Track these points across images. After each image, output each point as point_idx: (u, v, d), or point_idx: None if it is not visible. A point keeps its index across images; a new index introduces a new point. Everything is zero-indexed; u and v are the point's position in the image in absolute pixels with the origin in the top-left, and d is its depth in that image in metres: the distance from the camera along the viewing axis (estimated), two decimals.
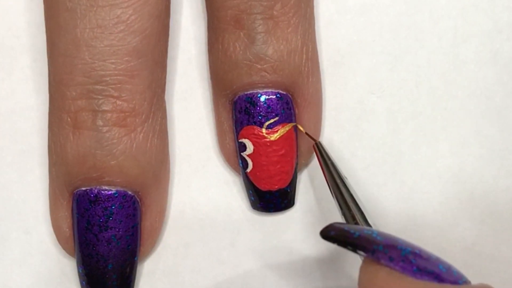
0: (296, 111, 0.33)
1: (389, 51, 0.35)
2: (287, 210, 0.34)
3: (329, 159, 0.31)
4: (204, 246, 0.34)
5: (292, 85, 0.32)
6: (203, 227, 0.34)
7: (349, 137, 0.35)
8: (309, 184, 0.35)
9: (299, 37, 0.32)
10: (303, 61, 0.32)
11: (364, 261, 0.27)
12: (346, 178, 0.31)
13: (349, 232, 0.27)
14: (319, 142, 0.32)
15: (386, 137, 0.35)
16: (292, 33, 0.32)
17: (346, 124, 0.35)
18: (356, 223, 0.30)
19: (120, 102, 0.31)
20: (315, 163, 0.34)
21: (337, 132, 0.35)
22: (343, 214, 0.31)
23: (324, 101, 0.34)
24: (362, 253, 0.27)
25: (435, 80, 0.35)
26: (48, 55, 0.32)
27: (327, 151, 0.32)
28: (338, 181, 0.31)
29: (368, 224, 0.30)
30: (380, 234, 0.27)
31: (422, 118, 0.35)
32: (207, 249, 0.34)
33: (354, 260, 0.33)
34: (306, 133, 0.32)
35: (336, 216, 0.31)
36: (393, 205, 0.34)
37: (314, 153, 0.32)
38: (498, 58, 0.35)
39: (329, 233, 0.28)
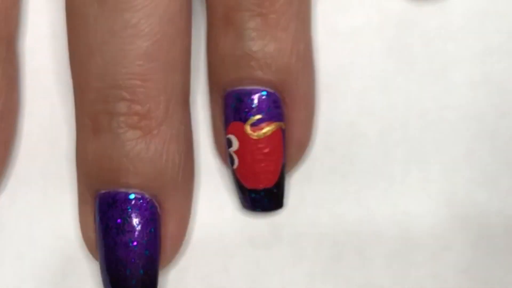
0: (285, 110, 0.33)
1: (380, 74, 0.35)
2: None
3: None
4: (196, 271, 0.34)
5: (280, 83, 0.32)
6: (195, 250, 0.34)
7: (340, 160, 0.35)
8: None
9: (289, 35, 0.32)
10: (293, 60, 0.32)
11: None
12: None
13: None
14: None
15: (377, 160, 0.34)
16: (281, 31, 0.32)
17: (337, 147, 0.35)
18: None
19: (134, 105, 0.31)
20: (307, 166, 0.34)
21: (327, 155, 0.34)
22: None
23: (314, 123, 0.34)
24: None
25: (426, 103, 0.35)
26: (69, 61, 0.32)
27: None
28: None
29: None
30: None
31: (413, 141, 0.34)
32: (199, 273, 0.34)
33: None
34: None
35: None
36: (385, 229, 0.34)
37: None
38: (489, 80, 0.35)
39: None
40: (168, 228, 0.33)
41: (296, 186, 0.34)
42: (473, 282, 0.34)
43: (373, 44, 0.35)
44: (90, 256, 0.34)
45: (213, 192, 0.35)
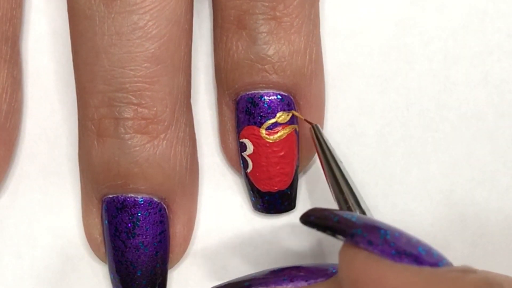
0: (299, 113, 0.33)
1: (380, 73, 0.35)
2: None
3: (325, 143, 0.31)
4: (197, 271, 0.34)
5: (294, 86, 0.32)
6: (196, 251, 0.34)
7: (340, 159, 0.35)
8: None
9: (302, 38, 0.32)
10: (306, 62, 0.32)
11: (343, 246, 0.27)
12: (341, 162, 0.31)
13: (329, 216, 0.27)
14: (316, 126, 0.32)
15: (377, 160, 0.35)
16: (295, 34, 0.32)
17: (337, 146, 0.35)
18: (349, 208, 0.30)
19: (141, 109, 0.31)
20: (317, 167, 0.34)
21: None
22: (336, 198, 0.30)
23: None
24: (341, 237, 0.27)
25: (426, 102, 0.35)
26: (73, 63, 0.32)
27: (323, 135, 0.31)
28: (333, 164, 0.31)
29: (361, 208, 0.30)
30: (359, 218, 0.27)
31: (413, 140, 0.35)
32: (199, 273, 0.34)
33: None
34: (305, 120, 0.32)
35: None
36: None
37: (312, 137, 0.32)
38: (489, 80, 0.35)
39: (309, 218, 0.28)
40: (176, 229, 0.33)
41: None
42: None
43: (373, 44, 0.35)
44: (90, 255, 0.34)
45: (213, 193, 0.35)
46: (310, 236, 0.34)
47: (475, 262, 0.34)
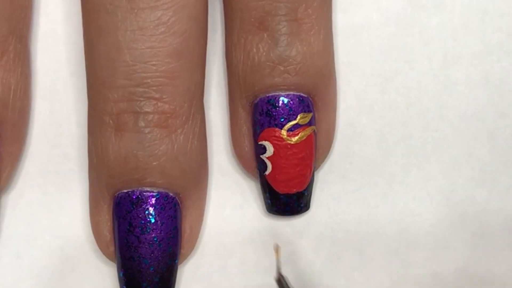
0: (316, 114, 0.33)
1: (380, 73, 0.35)
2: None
3: None
4: (196, 270, 0.34)
5: (314, 87, 0.32)
6: (195, 251, 0.34)
7: (340, 159, 0.35)
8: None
9: (321, 39, 0.32)
10: (325, 63, 0.32)
11: None
12: None
13: None
14: (283, 277, 0.31)
15: (377, 159, 0.35)
16: (315, 35, 0.32)
17: (337, 146, 0.35)
18: None
19: (161, 104, 0.31)
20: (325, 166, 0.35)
21: (328, 154, 0.34)
22: None
23: None
24: None
25: (426, 102, 0.35)
26: (87, 58, 0.32)
27: (289, 284, 0.31)
28: None
29: None
30: None
31: (413, 140, 0.35)
32: (198, 272, 0.34)
33: None
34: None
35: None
36: (385, 228, 0.34)
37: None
38: (489, 80, 0.35)
39: None
40: (188, 225, 0.33)
41: None
42: (472, 280, 0.34)
43: (373, 43, 0.35)
44: (90, 255, 0.34)
45: (213, 192, 0.34)
46: (310, 236, 0.34)
47: (475, 262, 0.34)
